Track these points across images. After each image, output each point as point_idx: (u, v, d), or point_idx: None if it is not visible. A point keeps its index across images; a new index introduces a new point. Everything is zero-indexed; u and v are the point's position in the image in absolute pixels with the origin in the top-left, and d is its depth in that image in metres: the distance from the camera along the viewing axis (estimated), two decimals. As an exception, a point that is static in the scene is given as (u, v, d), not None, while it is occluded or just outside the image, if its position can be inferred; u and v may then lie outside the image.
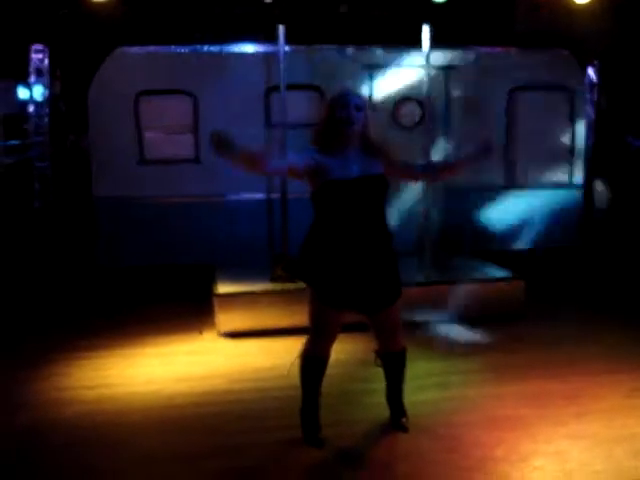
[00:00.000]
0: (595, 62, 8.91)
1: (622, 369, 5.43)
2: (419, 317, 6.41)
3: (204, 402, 4.93)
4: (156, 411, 4.77)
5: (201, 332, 6.52)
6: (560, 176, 8.96)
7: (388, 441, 4.31)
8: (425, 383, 5.07)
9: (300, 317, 6.29)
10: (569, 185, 9.01)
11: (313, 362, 4.25)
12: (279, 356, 5.72)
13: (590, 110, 9.04)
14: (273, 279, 6.73)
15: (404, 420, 4.41)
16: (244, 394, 5.09)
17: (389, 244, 4.13)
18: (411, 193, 7.44)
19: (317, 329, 4.19)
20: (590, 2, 7.40)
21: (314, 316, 4.17)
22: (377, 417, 4.54)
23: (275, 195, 7.62)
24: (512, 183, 8.82)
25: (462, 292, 6.69)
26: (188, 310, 7.12)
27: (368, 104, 4.15)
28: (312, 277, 4.11)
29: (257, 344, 6.21)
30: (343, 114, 3.94)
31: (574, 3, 7.45)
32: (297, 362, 4.29)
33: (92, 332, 6.55)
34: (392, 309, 4.17)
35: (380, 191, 4.04)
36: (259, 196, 8.15)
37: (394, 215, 4.84)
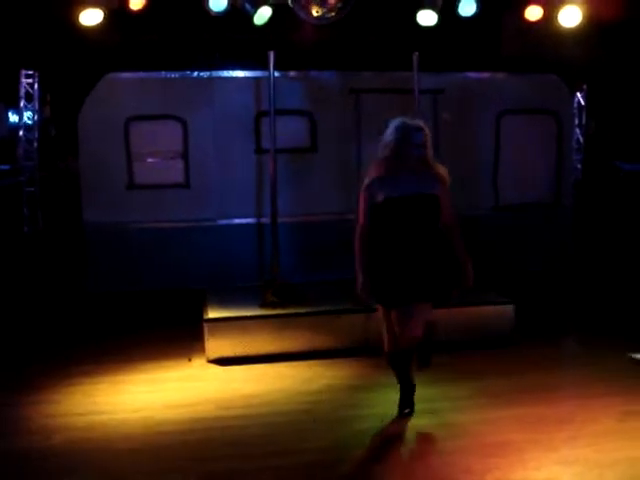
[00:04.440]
0: (583, 86, 8.98)
1: (614, 392, 5.39)
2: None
3: (193, 429, 4.88)
4: (145, 438, 4.71)
5: (190, 359, 6.47)
6: (548, 199, 9.00)
7: (380, 469, 4.27)
8: (416, 409, 5.03)
9: (290, 343, 6.33)
10: (557, 208, 9.06)
11: (396, 355, 4.81)
12: (269, 383, 5.73)
13: (578, 134, 9.10)
14: (264, 304, 6.70)
15: (407, 411, 4.93)
16: (233, 421, 5.04)
17: (436, 252, 4.61)
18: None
19: (387, 329, 4.79)
20: (577, 26, 7.47)
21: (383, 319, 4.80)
22: (369, 444, 4.51)
23: (265, 220, 7.62)
24: (500, 205, 8.86)
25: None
26: (178, 336, 7.07)
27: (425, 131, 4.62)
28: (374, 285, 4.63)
29: (247, 370, 6.17)
30: (413, 152, 4.55)
31: (561, 27, 7.52)
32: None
33: (81, 358, 6.50)
34: (422, 304, 4.62)
35: (431, 208, 4.57)
36: (249, 221, 8.16)
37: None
